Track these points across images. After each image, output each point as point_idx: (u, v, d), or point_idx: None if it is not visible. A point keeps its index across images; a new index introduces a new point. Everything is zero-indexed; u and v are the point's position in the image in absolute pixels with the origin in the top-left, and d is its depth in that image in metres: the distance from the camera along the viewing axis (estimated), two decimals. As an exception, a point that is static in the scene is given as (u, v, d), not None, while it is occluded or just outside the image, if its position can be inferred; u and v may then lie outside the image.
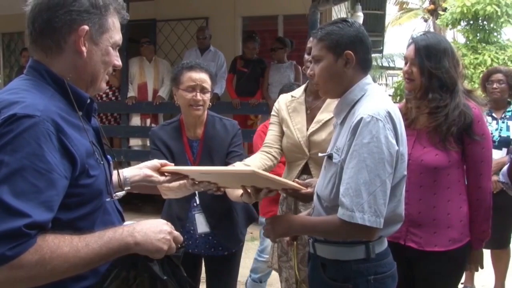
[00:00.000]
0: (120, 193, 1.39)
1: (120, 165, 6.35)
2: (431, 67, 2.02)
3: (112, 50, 1.27)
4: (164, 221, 1.24)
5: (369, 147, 1.45)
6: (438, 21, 11.02)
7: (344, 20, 1.63)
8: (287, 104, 2.34)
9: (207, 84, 2.23)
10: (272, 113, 2.41)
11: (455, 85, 2.06)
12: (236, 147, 2.32)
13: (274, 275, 4.06)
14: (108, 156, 1.40)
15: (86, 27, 1.19)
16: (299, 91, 2.37)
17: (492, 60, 9.66)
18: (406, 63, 2.13)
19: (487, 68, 9.15)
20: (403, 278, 2.12)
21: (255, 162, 2.20)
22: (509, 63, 9.68)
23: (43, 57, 1.22)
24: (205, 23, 7.13)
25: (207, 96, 2.24)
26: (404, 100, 2.25)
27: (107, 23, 1.24)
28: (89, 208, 1.20)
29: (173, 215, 2.33)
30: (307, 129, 2.24)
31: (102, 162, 1.23)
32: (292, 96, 2.37)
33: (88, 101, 1.27)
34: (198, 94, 2.20)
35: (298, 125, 2.26)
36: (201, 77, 2.22)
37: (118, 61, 1.31)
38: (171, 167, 1.76)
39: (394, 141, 1.49)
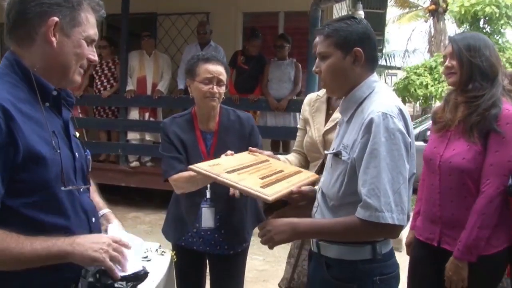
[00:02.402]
0: (82, 187, 1.39)
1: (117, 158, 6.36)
2: (470, 55, 2.03)
3: (85, 44, 1.32)
4: (106, 236, 1.30)
5: (387, 145, 1.43)
6: (448, 13, 10.95)
7: (351, 17, 1.60)
8: (311, 104, 2.36)
9: (223, 76, 2.20)
10: (300, 115, 2.44)
11: (496, 73, 2.04)
12: (257, 143, 2.29)
13: (270, 271, 4.08)
14: (88, 151, 1.46)
15: (55, 19, 1.25)
16: (323, 90, 2.35)
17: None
18: (445, 62, 2.15)
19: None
20: (434, 281, 2.12)
21: (294, 160, 2.27)
22: (507, 65, 9.70)
23: (16, 48, 1.29)
24: (206, 18, 7.11)
25: (223, 89, 2.22)
26: (442, 102, 2.24)
27: (79, 17, 1.30)
28: (38, 196, 1.22)
29: (182, 211, 2.29)
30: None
31: (58, 151, 1.26)
32: (317, 95, 2.38)
33: (55, 93, 1.31)
34: (214, 86, 2.17)
35: (317, 125, 2.27)
36: (218, 69, 2.19)
37: (93, 56, 1.35)
38: (198, 168, 1.77)
39: (408, 137, 1.49)
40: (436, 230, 2.10)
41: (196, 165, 1.81)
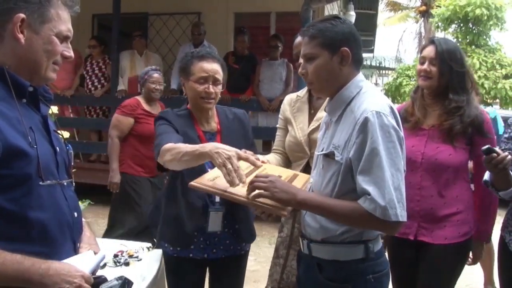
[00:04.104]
0: (65, 181, 1.37)
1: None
2: (457, 67, 2.13)
3: (56, 40, 1.30)
4: (78, 268, 1.23)
5: (384, 142, 1.45)
6: (435, 18, 11.00)
7: (336, 17, 1.61)
8: (292, 104, 2.32)
9: (219, 75, 2.07)
10: (279, 115, 2.39)
11: (471, 84, 2.19)
12: (253, 141, 2.26)
13: (262, 271, 4.09)
14: (69, 145, 1.45)
15: (22, 15, 1.23)
16: (303, 91, 2.35)
17: (480, 63, 9.76)
18: (423, 63, 2.20)
19: (476, 71, 9.24)
20: (409, 270, 2.24)
21: (273, 160, 2.22)
22: (497, 66, 9.79)
23: None
24: (197, 18, 7.11)
25: (219, 89, 2.08)
26: (407, 100, 2.30)
27: (48, 13, 1.28)
28: (20, 191, 1.21)
29: (182, 219, 2.07)
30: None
31: (35, 146, 1.24)
32: (297, 96, 2.35)
33: (31, 89, 1.30)
34: (210, 86, 2.04)
35: (300, 125, 2.24)
36: (214, 67, 2.06)
37: (68, 52, 1.34)
38: (200, 185, 1.68)
39: (401, 133, 1.52)
40: (413, 224, 2.16)
41: (196, 181, 1.68)
